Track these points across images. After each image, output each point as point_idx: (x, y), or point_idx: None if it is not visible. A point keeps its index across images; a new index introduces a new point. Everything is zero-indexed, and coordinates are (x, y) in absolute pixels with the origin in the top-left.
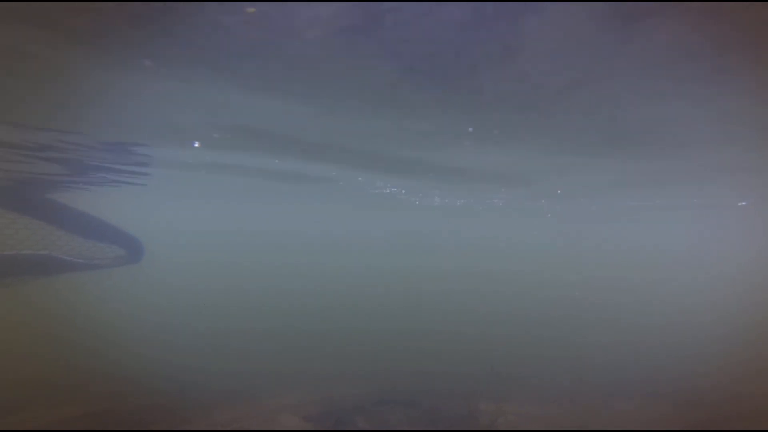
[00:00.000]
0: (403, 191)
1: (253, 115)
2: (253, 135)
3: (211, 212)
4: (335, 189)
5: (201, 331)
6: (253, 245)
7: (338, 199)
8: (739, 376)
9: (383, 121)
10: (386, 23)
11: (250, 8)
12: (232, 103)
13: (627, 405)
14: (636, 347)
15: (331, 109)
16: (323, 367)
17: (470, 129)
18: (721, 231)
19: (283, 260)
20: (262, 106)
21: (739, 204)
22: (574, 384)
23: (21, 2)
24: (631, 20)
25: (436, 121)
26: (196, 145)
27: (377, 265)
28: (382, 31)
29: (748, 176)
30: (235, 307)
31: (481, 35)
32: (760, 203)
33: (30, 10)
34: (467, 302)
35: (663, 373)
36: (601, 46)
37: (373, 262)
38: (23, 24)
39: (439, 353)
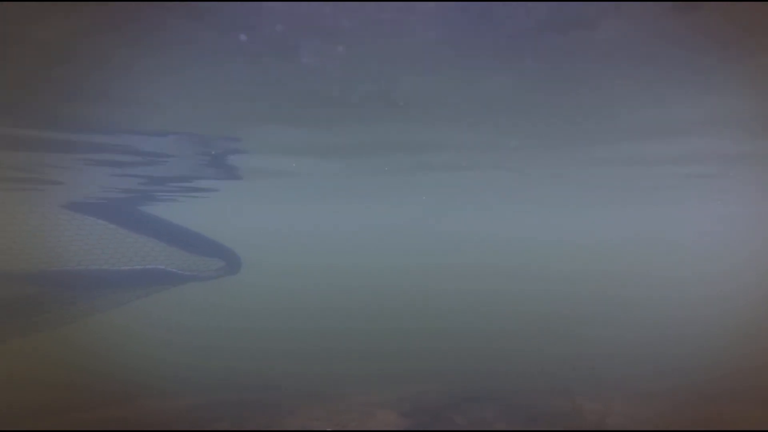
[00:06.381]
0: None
1: None
2: None
3: (303, 213)
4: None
5: (286, 335)
6: (348, 247)
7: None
8: None
9: None
10: None
11: None
12: None
13: (737, 409)
14: (724, 346)
15: None
16: (408, 366)
17: None
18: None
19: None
20: None
21: None
22: (674, 385)
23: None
24: None
25: None
26: None
27: (441, 263)
28: None
29: None
30: (320, 310)
31: None
32: None
33: None
34: (546, 300)
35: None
36: None
37: (438, 260)
38: None
39: (524, 352)
